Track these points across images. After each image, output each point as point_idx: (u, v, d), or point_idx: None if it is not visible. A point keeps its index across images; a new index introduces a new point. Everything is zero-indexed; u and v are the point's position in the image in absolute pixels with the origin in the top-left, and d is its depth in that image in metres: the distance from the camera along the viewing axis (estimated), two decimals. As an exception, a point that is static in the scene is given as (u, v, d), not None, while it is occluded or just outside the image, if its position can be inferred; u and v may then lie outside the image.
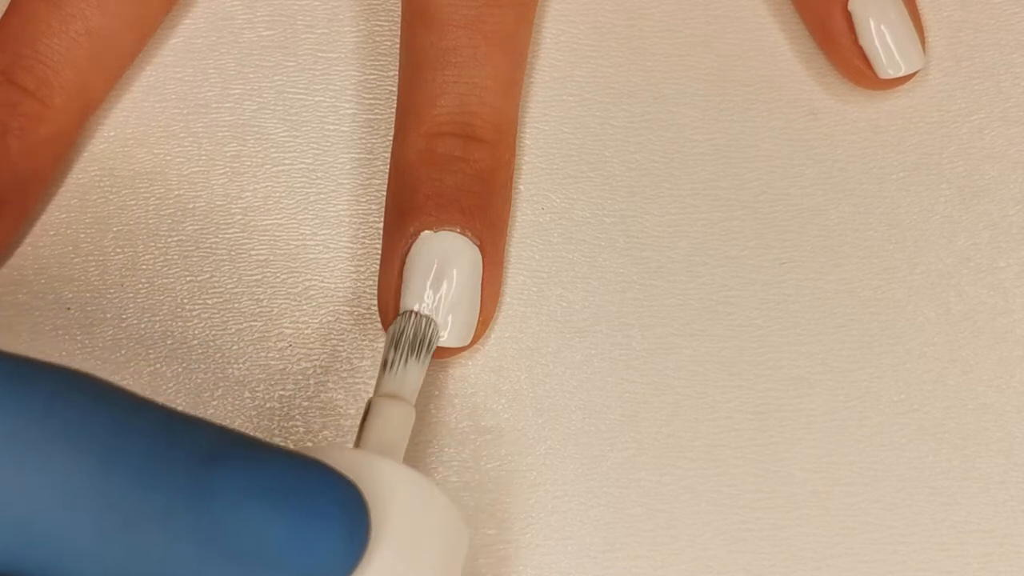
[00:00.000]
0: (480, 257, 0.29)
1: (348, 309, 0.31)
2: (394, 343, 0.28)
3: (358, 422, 0.30)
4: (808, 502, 0.30)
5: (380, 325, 0.31)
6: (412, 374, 0.27)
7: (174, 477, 0.19)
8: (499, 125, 0.30)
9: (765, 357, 0.31)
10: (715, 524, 0.30)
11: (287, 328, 0.31)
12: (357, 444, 0.26)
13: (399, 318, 0.28)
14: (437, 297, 0.28)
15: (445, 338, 0.29)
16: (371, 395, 0.27)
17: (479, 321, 0.29)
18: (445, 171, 0.29)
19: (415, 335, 0.28)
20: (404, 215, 0.29)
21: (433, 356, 0.29)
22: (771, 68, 0.33)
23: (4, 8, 0.31)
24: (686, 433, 0.30)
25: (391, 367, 0.27)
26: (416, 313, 0.28)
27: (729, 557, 0.29)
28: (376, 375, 0.30)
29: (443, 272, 0.29)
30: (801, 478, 0.30)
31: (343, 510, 0.20)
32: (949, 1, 0.33)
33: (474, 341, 0.29)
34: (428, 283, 0.29)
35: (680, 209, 0.32)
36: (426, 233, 0.29)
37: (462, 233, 0.29)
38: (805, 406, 0.30)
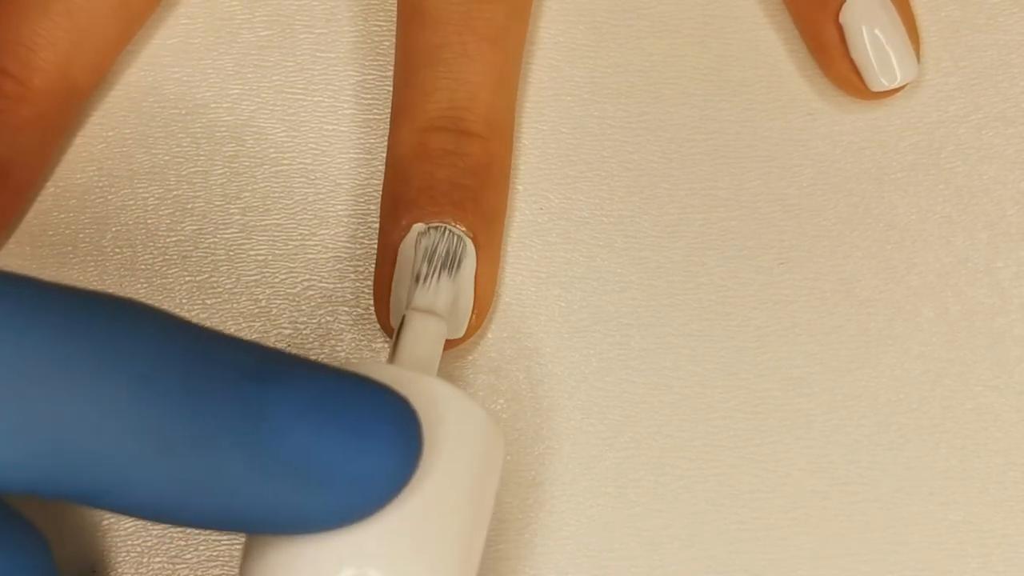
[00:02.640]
0: (473, 250, 0.29)
1: (347, 309, 0.31)
2: (427, 257, 0.28)
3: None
4: (806, 502, 0.30)
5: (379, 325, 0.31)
6: (444, 289, 0.27)
7: (219, 398, 0.19)
8: (491, 120, 0.30)
9: (763, 357, 0.31)
10: (713, 524, 0.30)
11: (286, 328, 0.31)
12: (392, 357, 0.26)
13: (431, 232, 0.28)
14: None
15: None
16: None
17: (474, 314, 0.29)
18: (437, 165, 0.29)
19: (447, 252, 0.28)
20: (397, 208, 0.30)
21: None
22: (769, 68, 0.33)
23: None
24: (684, 433, 0.30)
25: (425, 281, 0.27)
26: (448, 230, 0.28)
27: (727, 557, 0.29)
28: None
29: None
30: (799, 478, 0.30)
31: (396, 427, 0.20)
32: (947, 1, 0.33)
33: (469, 334, 0.29)
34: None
35: (678, 209, 0.32)
36: (418, 226, 0.29)
37: (453, 225, 0.29)
38: (803, 406, 0.30)
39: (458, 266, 0.28)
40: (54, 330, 0.18)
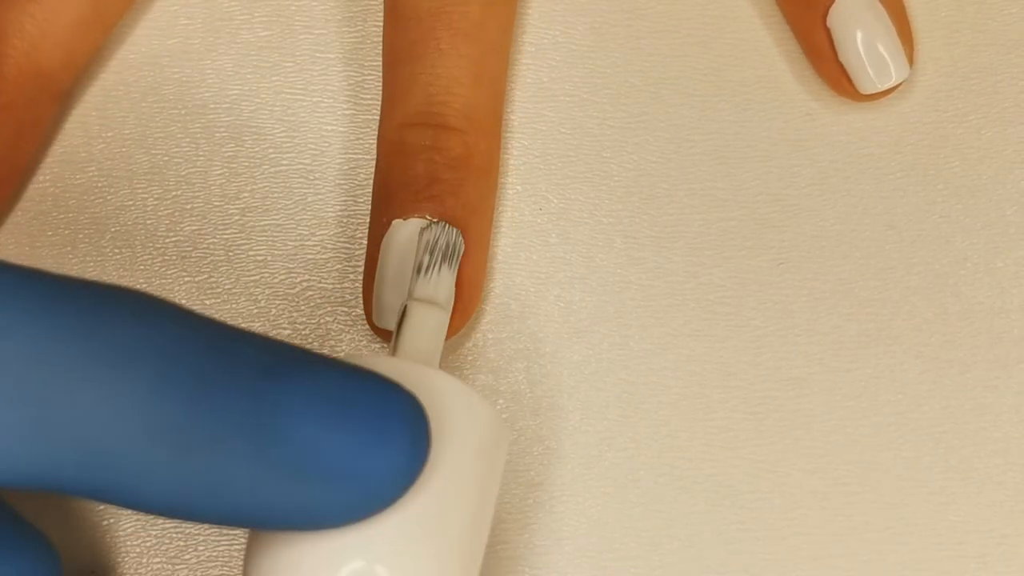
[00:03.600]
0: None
1: (346, 310, 0.31)
2: (428, 249, 0.28)
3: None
4: (806, 502, 0.30)
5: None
6: (445, 280, 0.27)
7: (231, 395, 0.19)
8: (470, 114, 0.30)
9: (762, 357, 0.31)
10: (713, 524, 0.30)
11: (285, 328, 0.31)
12: (394, 348, 0.26)
13: (431, 227, 0.28)
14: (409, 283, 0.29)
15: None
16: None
17: (458, 308, 0.29)
18: (416, 160, 0.30)
19: (447, 244, 0.28)
20: (379, 205, 0.30)
21: None
22: (768, 69, 0.33)
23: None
24: (684, 433, 0.30)
25: (426, 271, 0.27)
26: (447, 225, 0.28)
27: (727, 557, 0.29)
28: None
29: (412, 259, 0.29)
30: (799, 478, 0.30)
31: (405, 424, 0.20)
32: (946, 1, 0.33)
33: (454, 331, 0.29)
34: (399, 270, 0.29)
35: (677, 210, 0.32)
36: (397, 221, 0.29)
37: (431, 219, 0.29)
38: (803, 406, 0.30)
39: (457, 257, 0.28)
40: (72, 325, 0.19)
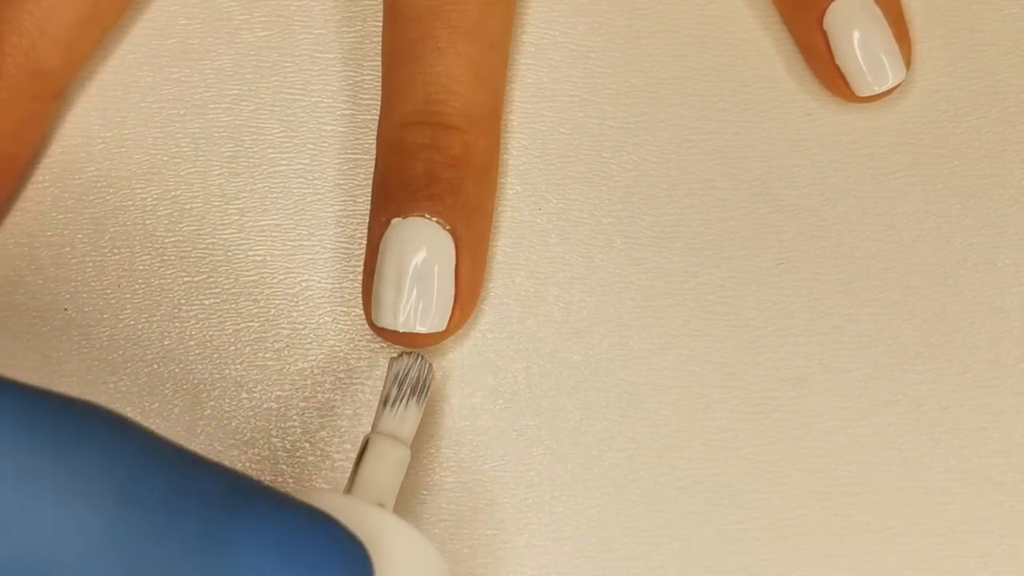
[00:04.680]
0: (450, 241, 0.29)
1: (345, 310, 0.31)
2: (398, 381, 0.28)
3: (354, 423, 0.30)
4: (806, 502, 0.30)
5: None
6: (411, 416, 0.28)
7: (188, 524, 0.19)
8: (469, 112, 0.30)
9: (762, 357, 0.31)
10: (712, 524, 0.30)
11: (284, 328, 0.31)
12: (350, 484, 0.26)
13: (403, 357, 0.28)
14: (406, 282, 0.29)
15: (418, 325, 0.29)
16: (368, 431, 0.27)
17: (456, 307, 0.29)
18: (415, 159, 0.30)
19: (418, 378, 0.28)
20: (379, 204, 0.30)
21: (412, 344, 0.29)
22: (768, 69, 0.33)
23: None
24: (683, 433, 0.30)
25: (393, 405, 0.27)
26: (420, 356, 0.28)
27: (727, 557, 0.29)
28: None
29: (411, 258, 0.29)
30: (798, 478, 0.30)
31: (347, 566, 0.20)
32: (946, 1, 0.33)
33: (452, 330, 0.29)
34: (398, 269, 0.29)
35: (677, 210, 0.32)
36: (395, 220, 0.29)
37: (430, 218, 0.29)
38: (802, 406, 0.30)
39: (426, 393, 0.28)
40: (39, 440, 0.19)
